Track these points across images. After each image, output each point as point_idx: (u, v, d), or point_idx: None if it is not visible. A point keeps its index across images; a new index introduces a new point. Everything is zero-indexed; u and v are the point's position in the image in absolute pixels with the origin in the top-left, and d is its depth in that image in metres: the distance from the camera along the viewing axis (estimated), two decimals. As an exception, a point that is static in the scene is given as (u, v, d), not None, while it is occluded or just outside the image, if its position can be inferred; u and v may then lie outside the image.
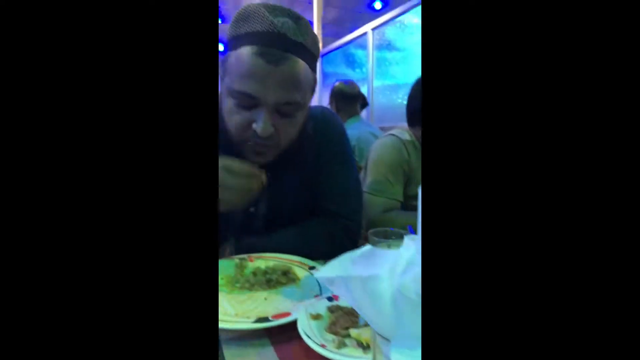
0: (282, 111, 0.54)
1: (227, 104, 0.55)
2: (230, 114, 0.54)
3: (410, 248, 0.21)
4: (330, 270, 0.20)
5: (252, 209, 0.68)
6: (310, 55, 0.56)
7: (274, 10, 0.53)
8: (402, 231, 0.54)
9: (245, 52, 0.51)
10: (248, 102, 0.53)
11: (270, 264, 0.58)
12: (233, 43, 0.54)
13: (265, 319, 0.42)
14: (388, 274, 0.19)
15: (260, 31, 0.51)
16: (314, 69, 0.59)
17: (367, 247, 0.22)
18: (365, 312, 0.21)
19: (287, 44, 0.51)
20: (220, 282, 0.54)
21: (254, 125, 0.53)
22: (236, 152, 0.56)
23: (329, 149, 0.68)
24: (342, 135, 0.71)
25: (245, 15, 0.53)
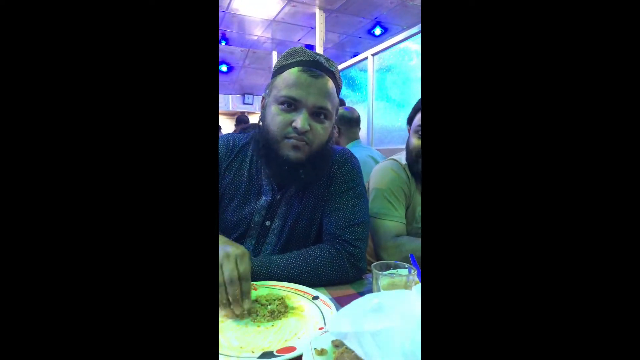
0: (316, 115, 0.70)
1: (271, 110, 0.71)
2: (274, 116, 0.70)
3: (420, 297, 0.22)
4: (341, 323, 0.21)
5: (267, 223, 0.74)
6: (337, 83, 0.75)
7: (312, 51, 0.75)
8: (404, 263, 0.55)
9: (292, 70, 0.70)
10: (292, 105, 0.68)
11: (273, 292, 0.58)
12: (280, 70, 0.73)
13: (270, 354, 0.42)
14: (399, 325, 0.20)
15: (304, 60, 0.71)
16: (338, 94, 0.76)
17: (376, 300, 0.22)
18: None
19: (323, 68, 0.71)
20: (223, 310, 0.54)
21: (294, 123, 0.67)
22: (275, 149, 0.69)
23: (344, 182, 0.77)
24: (358, 172, 0.80)
25: (292, 52, 0.74)
